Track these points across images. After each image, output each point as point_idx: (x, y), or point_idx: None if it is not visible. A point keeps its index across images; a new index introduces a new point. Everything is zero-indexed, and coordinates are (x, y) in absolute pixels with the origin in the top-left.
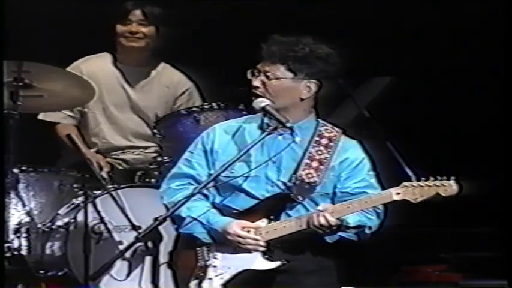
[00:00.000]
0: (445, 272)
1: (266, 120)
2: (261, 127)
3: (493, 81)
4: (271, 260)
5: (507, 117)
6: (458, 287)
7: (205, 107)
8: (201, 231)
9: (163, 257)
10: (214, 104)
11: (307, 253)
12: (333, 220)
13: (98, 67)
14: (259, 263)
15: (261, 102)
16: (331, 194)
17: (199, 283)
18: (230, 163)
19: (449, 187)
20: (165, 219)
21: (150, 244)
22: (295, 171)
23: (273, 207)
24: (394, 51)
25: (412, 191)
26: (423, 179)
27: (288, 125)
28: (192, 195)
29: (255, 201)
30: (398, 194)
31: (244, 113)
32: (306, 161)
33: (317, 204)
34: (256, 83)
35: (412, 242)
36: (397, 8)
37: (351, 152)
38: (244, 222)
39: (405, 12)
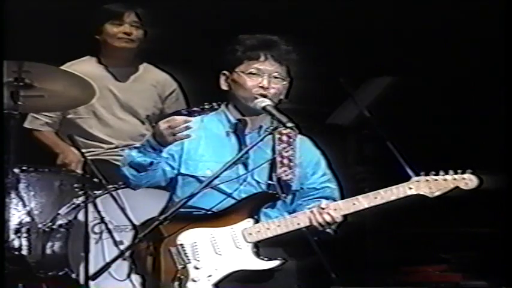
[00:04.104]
0: (446, 272)
1: (231, 117)
2: (236, 123)
3: (493, 81)
4: (268, 260)
5: (507, 117)
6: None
7: (206, 107)
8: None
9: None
10: (214, 104)
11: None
12: (338, 217)
13: (84, 70)
14: (254, 263)
15: (262, 102)
16: (295, 190)
17: (180, 284)
18: (233, 161)
19: (470, 180)
20: (165, 219)
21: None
22: (274, 170)
23: (253, 207)
24: (394, 51)
25: (427, 185)
26: (433, 173)
27: (289, 124)
28: (193, 195)
29: (229, 201)
30: (411, 188)
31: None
32: (278, 158)
33: (285, 202)
34: (265, 83)
35: (412, 242)
36: (397, 8)
37: (310, 148)
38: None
39: (405, 12)
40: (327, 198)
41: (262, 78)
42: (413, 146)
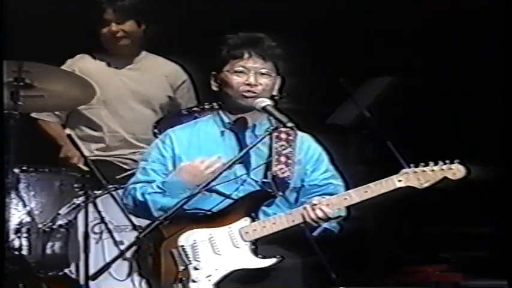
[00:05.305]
0: (446, 272)
1: (224, 117)
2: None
3: (493, 80)
4: (265, 258)
5: (507, 117)
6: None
7: (206, 106)
8: (162, 198)
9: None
10: (215, 104)
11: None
12: (330, 212)
13: (91, 63)
14: (251, 261)
15: (262, 102)
16: (298, 188)
17: (183, 285)
18: (232, 162)
19: (458, 170)
20: (165, 219)
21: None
22: (270, 168)
23: (250, 205)
24: (394, 51)
25: (416, 176)
26: (422, 164)
27: (289, 124)
28: (193, 195)
29: (228, 201)
30: (400, 181)
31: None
32: (275, 156)
33: (287, 200)
34: (251, 80)
35: (412, 242)
36: (397, 8)
37: (310, 145)
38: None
39: (405, 12)
40: (331, 194)
41: (248, 76)
42: (414, 146)
